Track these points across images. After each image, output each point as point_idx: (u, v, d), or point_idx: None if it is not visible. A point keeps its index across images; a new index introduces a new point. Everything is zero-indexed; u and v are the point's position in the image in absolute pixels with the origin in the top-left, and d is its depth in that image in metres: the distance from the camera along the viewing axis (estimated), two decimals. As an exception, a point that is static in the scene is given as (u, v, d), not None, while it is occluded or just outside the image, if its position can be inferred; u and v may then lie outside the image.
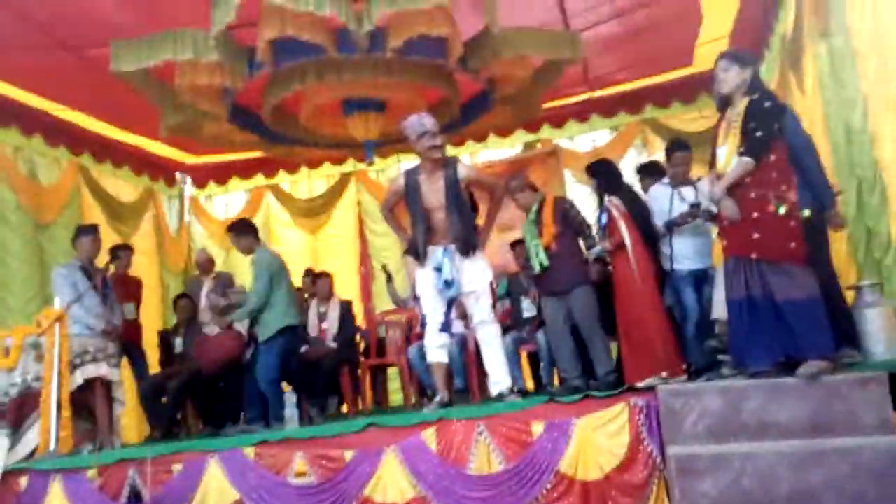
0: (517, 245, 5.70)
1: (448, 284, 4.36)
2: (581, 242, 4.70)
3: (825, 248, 4.00)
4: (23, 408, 4.69)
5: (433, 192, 4.40)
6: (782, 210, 3.54)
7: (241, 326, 5.56)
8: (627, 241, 4.35)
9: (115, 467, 4.26)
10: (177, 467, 4.18)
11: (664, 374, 4.01)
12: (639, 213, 4.56)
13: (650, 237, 4.51)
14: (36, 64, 5.65)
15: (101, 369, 5.00)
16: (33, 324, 4.90)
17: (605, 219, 4.55)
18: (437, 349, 4.45)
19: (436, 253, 4.40)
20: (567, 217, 4.61)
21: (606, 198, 4.58)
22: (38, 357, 4.77)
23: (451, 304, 4.53)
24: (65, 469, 4.30)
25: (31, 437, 4.63)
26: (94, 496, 4.20)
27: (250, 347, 5.52)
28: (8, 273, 6.10)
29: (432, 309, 4.42)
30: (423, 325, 4.67)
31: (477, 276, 4.43)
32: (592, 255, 4.92)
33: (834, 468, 3.10)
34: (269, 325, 5.05)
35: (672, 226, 4.54)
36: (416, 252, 4.45)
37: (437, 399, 4.36)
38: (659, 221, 4.60)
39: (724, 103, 3.82)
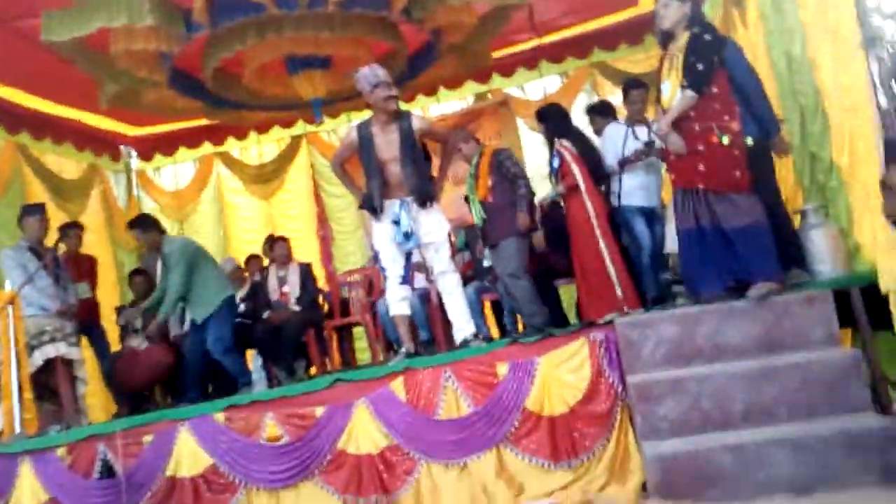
0: (471, 197, 5.72)
1: (407, 237, 4.34)
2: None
3: (770, 175, 4.10)
4: (-18, 393, 4.61)
5: (387, 144, 4.35)
6: (726, 140, 3.62)
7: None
8: (581, 184, 4.40)
9: (84, 444, 4.21)
10: (147, 438, 4.16)
11: (623, 309, 4.12)
12: (588, 154, 4.60)
13: (599, 179, 4.57)
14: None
15: (60, 349, 4.90)
16: (-16, 308, 4.77)
17: (557, 162, 4.59)
18: (398, 302, 4.45)
19: (392, 206, 4.38)
20: (501, 168, 4.60)
21: (557, 141, 4.60)
22: (-9, 341, 4.66)
23: (409, 256, 4.54)
24: (33, 450, 4.24)
25: (-5, 421, 4.56)
26: (64, 475, 4.17)
27: None
28: (-47, 256, 5.90)
29: (391, 261, 4.41)
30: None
31: (434, 227, 4.42)
32: (548, 198, 4.99)
33: (786, 383, 3.25)
34: (209, 302, 5.06)
35: (625, 163, 4.60)
36: (371, 207, 4.42)
37: (403, 350, 4.39)
38: (612, 159, 4.66)
39: (667, 38, 3.85)
